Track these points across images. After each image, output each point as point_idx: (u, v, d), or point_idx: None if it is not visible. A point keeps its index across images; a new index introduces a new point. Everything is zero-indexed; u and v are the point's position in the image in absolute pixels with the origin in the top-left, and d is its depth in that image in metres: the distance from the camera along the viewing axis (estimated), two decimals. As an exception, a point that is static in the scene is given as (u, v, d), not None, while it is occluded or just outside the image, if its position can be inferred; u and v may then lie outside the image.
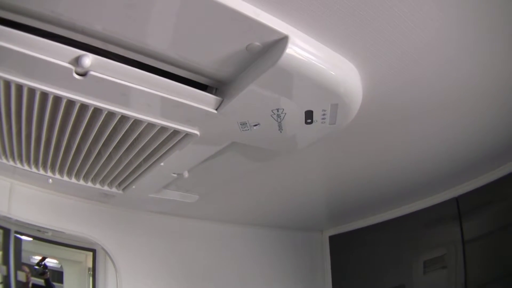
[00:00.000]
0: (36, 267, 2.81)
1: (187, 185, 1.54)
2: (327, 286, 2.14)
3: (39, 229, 2.59)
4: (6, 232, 2.69)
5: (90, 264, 2.97)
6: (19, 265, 2.66)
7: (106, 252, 1.73)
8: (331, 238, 2.24)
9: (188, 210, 1.80)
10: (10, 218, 2.18)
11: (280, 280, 2.01)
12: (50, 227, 1.74)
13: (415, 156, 1.55)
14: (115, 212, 1.79)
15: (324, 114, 1.10)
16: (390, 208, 2.03)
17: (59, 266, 3.05)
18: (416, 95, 1.17)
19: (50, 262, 2.97)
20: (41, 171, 1.43)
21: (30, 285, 2.72)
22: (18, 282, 2.70)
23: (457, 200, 1.92)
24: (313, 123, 1.13)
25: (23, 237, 2.67)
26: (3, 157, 1.42)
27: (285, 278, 2.03)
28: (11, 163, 1.41)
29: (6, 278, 2.71)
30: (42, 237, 2.61)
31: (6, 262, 2.71)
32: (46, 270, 2.92)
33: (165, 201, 1.61)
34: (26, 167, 1.41)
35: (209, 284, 1.85)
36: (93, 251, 2.77)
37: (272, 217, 1.97)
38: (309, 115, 1.11)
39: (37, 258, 2.88)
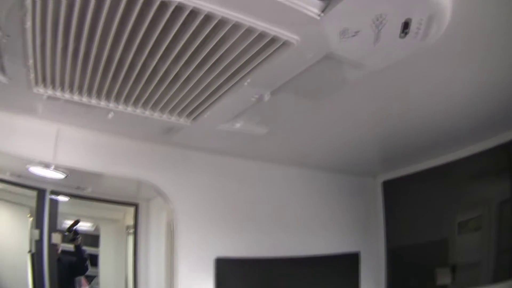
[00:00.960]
0: (66, 233, 2.72)
1: (256, 117, 1.46)
2: (380, 230, 2.12)
3: (79, 185, 2.51)
4: (41, 193, 2.59)
5: (128, 222, 2.90)
6: (54, 228, 2.57)
7: (163, 194, 1.65)
8: (385, 184, 2.20)
9: (250, 149, 1.73)
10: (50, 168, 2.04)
11: (335, 224, 1.98)
12: (101, 172, 1.64)
13: (475, 91, 1.49)
14: (172, 153, 1.70)
15: (419, 26, 1.06)
16: (445, 152, 1.98)
17: (93, 229, 2.98)
18: (487, 24, 1.12)
19: (83, 226, 2.89)
20: (103, 103, 1.33)
21: (59, 250, 2.65)
22: (51, 246, 2.61)
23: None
24: (407, 36, 1.09)
25: (60, 198, 2.59)
26: (58, 90, 1.31)
27: (341, 221, 2.00)
28: (67, 96, 1.30)
29: (38, 243, 2.62)
30: (80, 195, 2.52)
31: (39, 225, 2.62)
32: (78, 236, 2.84)
33: (233, 135, 1.53)
34: (85, 100, 1.31)
35: (267, 225, 1.79)
36: (135, 206, 2.70)
37: (329, 159, 1.92)
38: (406, 26, 1.06)
39: (69, 223, 2.79)
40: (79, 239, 2.86)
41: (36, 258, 2.53)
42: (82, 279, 3.02)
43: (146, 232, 2.42)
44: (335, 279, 1.92)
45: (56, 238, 2.53)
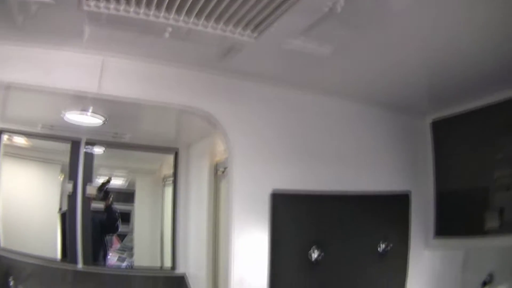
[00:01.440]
0: (97, 192, 2.63)
1: (320, 36, 1.36)
2: (429, 171, 2.04)
3: (116, 132, 2.42)
4: (75, 144, 2.49)
5: (165, 172, 2.83)
6: (89, 180, 2.49)
7: (217, 124, 1.57)
8: (434, 124, 2.09)
9: (307, 77, 1.62)
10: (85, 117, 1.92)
11: (385, 162, 1.88)
12: (150, 100, 1.55)
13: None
14: (227, 82, 1.60)
15: None
16: (499, 89, 1.86)
17: (126, 185, 2.92)
18: None
19: (116, 184, 2.81)
20: (162, 16, 1.23)
21: (91, 207, 2.58)
22: (86, 199, 2.53)
23: None
24: None
25: (95, 149, 2.51)
26: (113, 3, 1.21)
27: (392, 159, 1.91)
28: (122, 10, 1.20)
29: (72, 196, 2.52)
30: (117, 142, 2.43)
31: (73, 177, 2.51)
32: (109, 195, 2.76)
33: (295, 56, 1.43)
34: (142, 14, 1.21)
35: (319, 159, 1.70)
36: (175, 152, 2.62)
37: (381, 91, 1.80)
38: None
39: (101, 180, 2.71)
40: (111, 198, 2.80)
41: (68, 213, 2.46)
42: (114, 238, 2.98)
43: (186, 178, 2.36)
44: (386, 218, 1.86)
45: (91, 189, 2.46)
